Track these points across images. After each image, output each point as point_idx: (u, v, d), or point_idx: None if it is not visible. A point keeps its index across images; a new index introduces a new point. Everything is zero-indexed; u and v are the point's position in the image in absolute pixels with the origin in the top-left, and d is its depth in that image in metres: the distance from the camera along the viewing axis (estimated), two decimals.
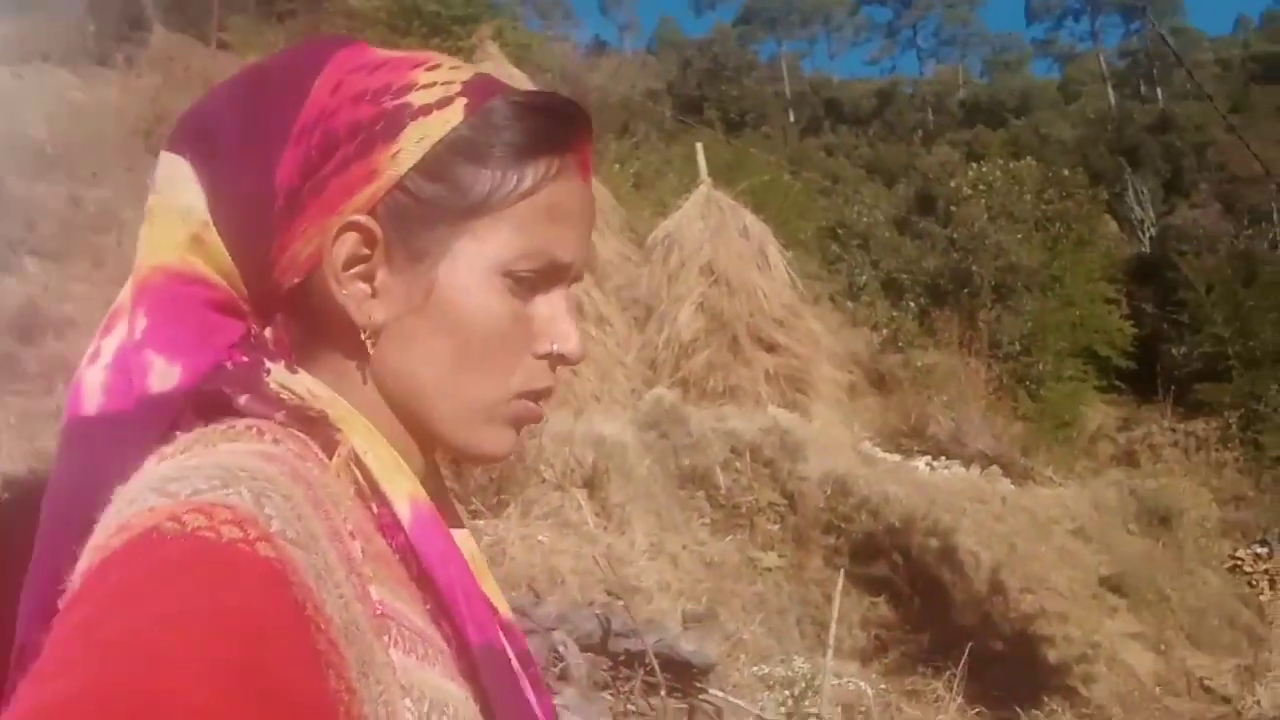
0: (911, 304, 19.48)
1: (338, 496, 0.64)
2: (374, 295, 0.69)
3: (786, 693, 4.88)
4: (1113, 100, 57.55)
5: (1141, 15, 60.72)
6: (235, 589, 0.50)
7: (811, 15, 76.64)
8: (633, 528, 6.45)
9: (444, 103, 0.69)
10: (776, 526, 7.94)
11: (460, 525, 0.77)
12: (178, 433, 0.65)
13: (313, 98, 0.69)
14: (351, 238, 0.68)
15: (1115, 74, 65.22)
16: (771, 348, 10.68)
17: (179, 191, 0.70)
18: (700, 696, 4.37)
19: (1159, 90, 58.08)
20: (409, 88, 0.69)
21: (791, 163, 30.61)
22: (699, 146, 11.76)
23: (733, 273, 10.69)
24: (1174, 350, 27.76)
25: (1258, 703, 8.56)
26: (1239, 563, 15.70)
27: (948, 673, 6.07)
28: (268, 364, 0.69)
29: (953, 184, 25.36)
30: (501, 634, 0.72)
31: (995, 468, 12.87)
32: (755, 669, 5.05)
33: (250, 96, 0.71)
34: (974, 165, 25.92)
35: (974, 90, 64.91)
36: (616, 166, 18.06)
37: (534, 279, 0.71)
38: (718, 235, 10.79)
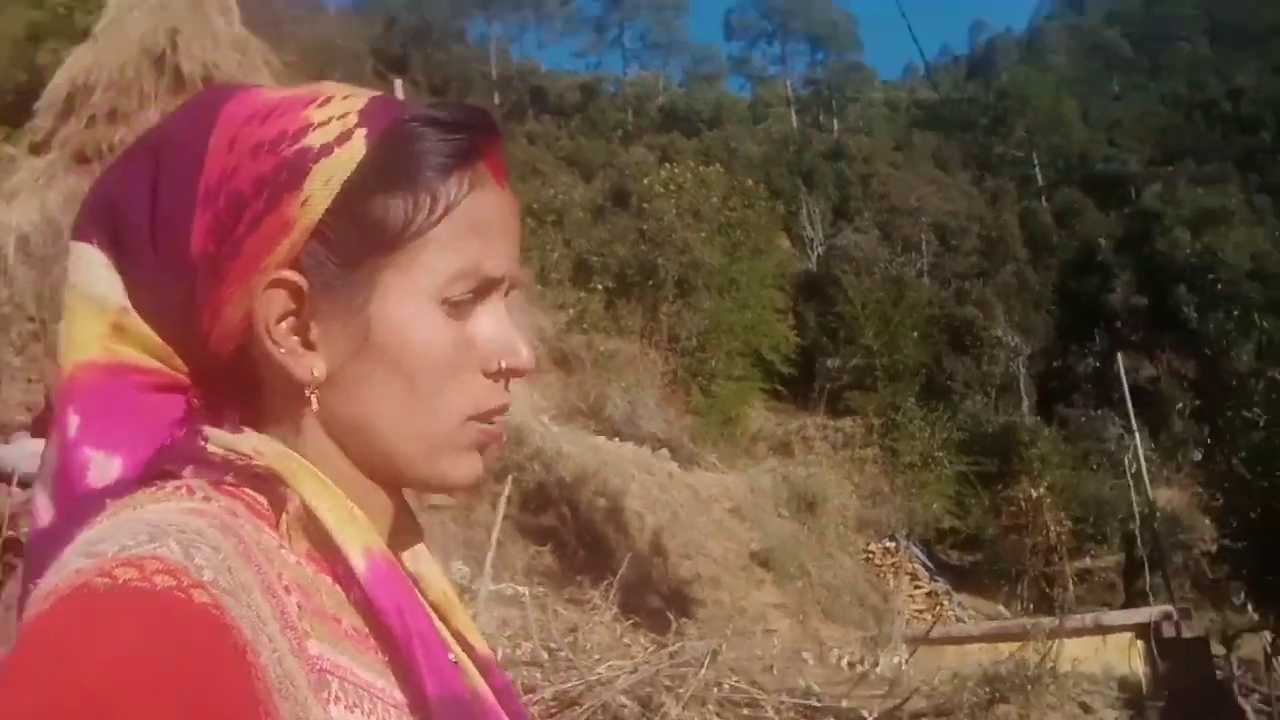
0: (600, 288, 19.87)
1: (271, 551, 0.61)
2: (311, 348, 0.67)
3: None
4: (795, 124, 61.77)
5: (826, 46, 65.67)
6: (173, 633, 0.50)
7: (524, 0, 76.88)
8: None
9: (343, 138, 0.66)
10: None
11: (419, 544, 0.77)
12: None
13: (209, 159, 0.66)
14: (279, 294, 0.66)
15: (799, 100, 70.07)
16: None
17: (92, 281, 0.68)
18: None
19: (835, 121, 63.00)
20: (305, 130, 0.66)
21: None
22: (398, 84, 11.33)
23: None
24: (829, 361, 30.16)
25: (875, 665, 9.35)
26: (871, 555, 17.19)
27: (604, 583, 6.20)
28: (206, 431, 0.67)
29: (646, 182, 26.21)
30: (466, 677, 0.71)
31: (665, 450, 13.36)
32: None
33: (147, 171, 0.68)
34: (666, 165, 26.91)
35: (673, 97, 67.58)
36: None
37: (470, 298, 0.68)
38: None
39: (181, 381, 0.69)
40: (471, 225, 0.67)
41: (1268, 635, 11.91)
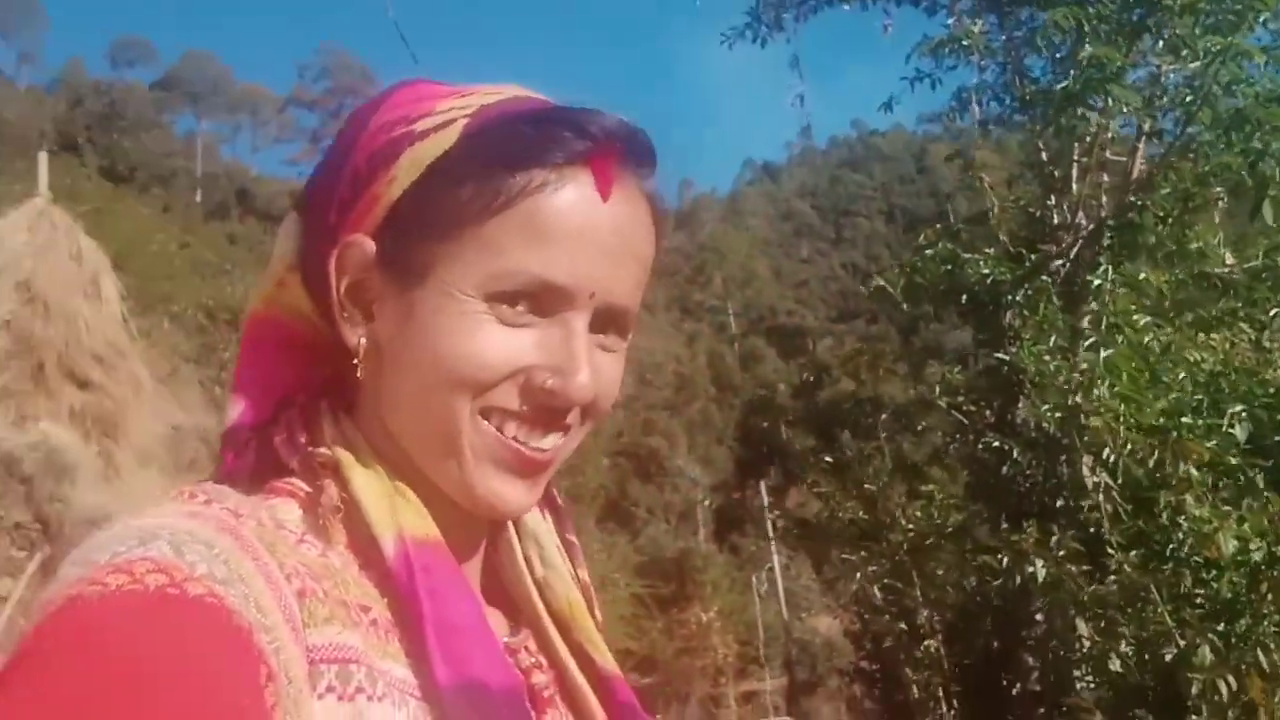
0: None
1: (276, 544, 0.61)
2: (371, 319, 0.68)
3: None
4: None
5: None
6: (170, 626, 0.49)
7: (239, 103, 75.15)
8: None
9: (443, 126, 0.66)
10: (24, 553, 7.06)
11: (546, 549, 0.80)
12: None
13: (361, 140, 0.69)
14: (348, 260, 0.67)
15: None
16: (84, 384, 9.74)
17: (279, 242, 0.73)
18: None
19: None
20: (422, 116, 0.67)
21: (185, 233, 29.27)
22: (42, 157, 10.62)
23: (53, 296, 9.64)
24: None
25: None
26: None
27: None
28: (323, 407, 0.70)
29: None
30: (552, 674, 0.74)
31: None
32: None
33: (330, 148, 0.72)
34: None
35: None
36: None
37: (529, 303, 0.65)
38: (44, 254, 9.71)
39: (321, 344, 0.71)
40: (528, 226, 0.64)
41: None
